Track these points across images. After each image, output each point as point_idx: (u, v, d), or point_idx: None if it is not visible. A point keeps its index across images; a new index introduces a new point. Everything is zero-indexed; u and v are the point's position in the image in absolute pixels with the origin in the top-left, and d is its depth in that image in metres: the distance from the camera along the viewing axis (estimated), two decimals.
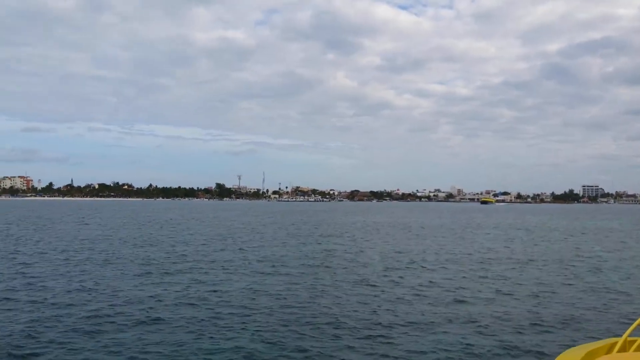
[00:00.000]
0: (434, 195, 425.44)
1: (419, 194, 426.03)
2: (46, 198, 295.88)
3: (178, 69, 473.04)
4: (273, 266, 24.67)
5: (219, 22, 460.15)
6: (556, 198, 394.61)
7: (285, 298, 17.05)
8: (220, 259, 27.30)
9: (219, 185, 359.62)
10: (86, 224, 59.81)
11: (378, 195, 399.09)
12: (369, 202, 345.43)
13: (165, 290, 18.18)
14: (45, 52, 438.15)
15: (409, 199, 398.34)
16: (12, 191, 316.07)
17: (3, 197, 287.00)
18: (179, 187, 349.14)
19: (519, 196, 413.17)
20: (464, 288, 19.23)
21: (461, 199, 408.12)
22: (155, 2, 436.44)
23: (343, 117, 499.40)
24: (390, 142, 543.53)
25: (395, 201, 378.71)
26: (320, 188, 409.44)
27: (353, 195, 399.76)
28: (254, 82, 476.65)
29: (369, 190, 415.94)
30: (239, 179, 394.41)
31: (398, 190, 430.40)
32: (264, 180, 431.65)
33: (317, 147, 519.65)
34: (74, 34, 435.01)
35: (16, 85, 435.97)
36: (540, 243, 39.65)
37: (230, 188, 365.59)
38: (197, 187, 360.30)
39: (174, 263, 25.33)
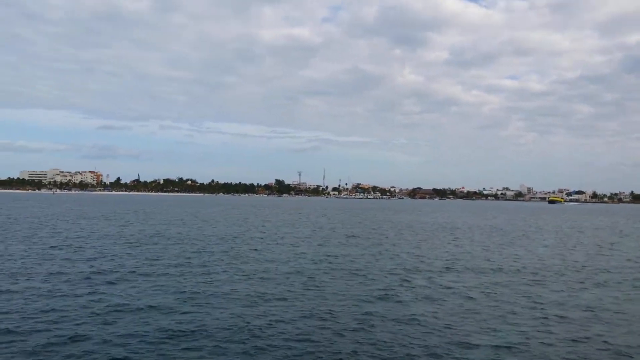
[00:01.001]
0: (502, 194, 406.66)
1: (485, 192, 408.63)
2: (113, 192, 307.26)
3: (245, 67, 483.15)
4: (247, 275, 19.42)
5: (285, 20, 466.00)
6: (636, 198, 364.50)
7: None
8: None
9: (278, 182, 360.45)
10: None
11: (441, 193, 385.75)
12: (431, 200, 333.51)
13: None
14: (123, 53, 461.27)
15: (474, 198, 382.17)
16: (82, 185, 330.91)
17: (73, 191, 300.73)
18: (240, 182, 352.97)
19: (594, 195, 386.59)
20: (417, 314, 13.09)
21: (531, 198, 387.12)
22: (224, 1, 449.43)
23: (410, 113, 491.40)
24: (457, 139, 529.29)
25: (459, 199, 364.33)
26: (384, 185, 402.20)
27: (415, 193, 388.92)
28: (320, 79, 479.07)
29: (432, 188, 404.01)
30: (299, 175, 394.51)
31: (463, 188, 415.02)
32: (324, 177, 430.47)
33: (383, 145, 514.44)
34: (149, 35, 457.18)
35: (96, 85, 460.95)
36: (606, 252, 31.89)
37: (289, 184, 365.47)
38: (257, 184, 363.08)
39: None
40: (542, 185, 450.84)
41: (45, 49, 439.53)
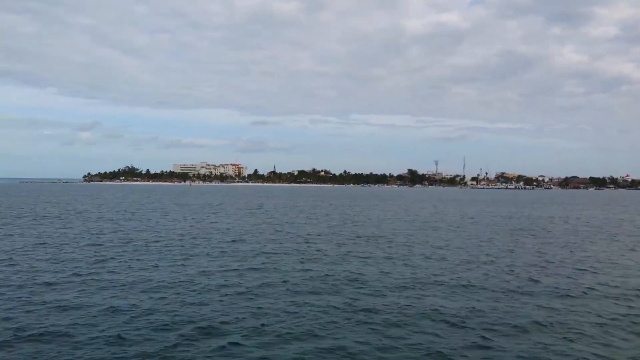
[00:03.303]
0: None
1: None
2: (250, 184, 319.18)
3: (391, 59, 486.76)
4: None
5: (432, 7, 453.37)
6: None
7: None
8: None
9: (411, 172, 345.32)
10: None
11: (599, 182, 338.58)
12: (585, 190, 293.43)
13: None
14: (276, 53, 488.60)
15: (639, 187, 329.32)
16: (222, 177, 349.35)
17: (214, 183, 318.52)
18: (371, 173, 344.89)
19: None
20: None
21: None
22: None
23: (571, 96, 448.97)
24: (629, 122, 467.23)
25: (621, 189, 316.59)
26: (532, 175, 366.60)
27: (566, 183, 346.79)
28: (469, 65, 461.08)
29: (589, 176, 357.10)
30: (436, 164, 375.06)
31: (627, 176, 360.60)
32: (464, 166, 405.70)
33: (538, 131, 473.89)
34: (299, 34, 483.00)
35: (252, 84, 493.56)
36: None
37: (423, 174, 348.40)
38: (390, 174, 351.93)
39: None
40: None
41: (208, 53, 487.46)
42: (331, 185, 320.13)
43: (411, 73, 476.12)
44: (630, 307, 14.22)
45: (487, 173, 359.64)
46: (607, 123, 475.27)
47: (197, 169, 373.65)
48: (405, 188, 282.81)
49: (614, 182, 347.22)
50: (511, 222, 43.80)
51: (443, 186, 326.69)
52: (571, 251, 25.67)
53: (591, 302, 14.76)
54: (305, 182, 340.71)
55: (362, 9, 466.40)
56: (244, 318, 12.55)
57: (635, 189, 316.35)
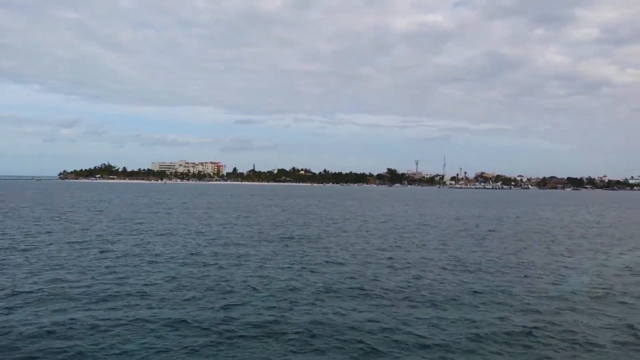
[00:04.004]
0: None
1: (631, 182, 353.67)
2: (228, 182, 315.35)
3: (377, 58, 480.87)
4: None
5: (418, 7, 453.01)
6: None
7: None
8: None
9: (390, 171, 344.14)
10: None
11: (576, 183, 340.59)
12: (562, 190, 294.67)
13: None
14: (263, 51, 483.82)
15: (615, 188, 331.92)
16: (200, 176, 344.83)
17: (191, 182, 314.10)
18: (350, 172, 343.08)
19: None
20: None
21: None
22: None
23: (554, 97, 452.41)
24: (609, 124, 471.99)
25: (599, 190, 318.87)
26: (512, 175, 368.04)
27: (545, 183, 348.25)
28: (454, 66, 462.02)
29: (567, 176, 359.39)
30: (417, 164, 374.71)
31: (604, 176, 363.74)
32: (444, 165, 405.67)
33: (521, 132, 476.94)
34: (286, 32, 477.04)
35: (238, 82, 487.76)
36: None
37: (402, 174, 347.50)
38: (369, 173, 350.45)
39: None
40: None
41: (194, 51, 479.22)
42: (310, 184, 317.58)
43: (397, 72, 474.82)
44: (502, 318, 12.20)
45: (465, 173, 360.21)
46: (588, 125, 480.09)
47: (175, 167, 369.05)
48: (383, 187, 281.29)
49: (592, 183, 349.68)
50: (443, 224, 41.95)
51: (422, 186, 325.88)
52: (471, 252, 23.73)
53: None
54: (284, 181, 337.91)
55: (349, 7, 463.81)
56: None
57: (612, 189, 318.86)
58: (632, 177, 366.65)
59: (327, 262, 20.21)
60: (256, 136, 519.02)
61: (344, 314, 12.49)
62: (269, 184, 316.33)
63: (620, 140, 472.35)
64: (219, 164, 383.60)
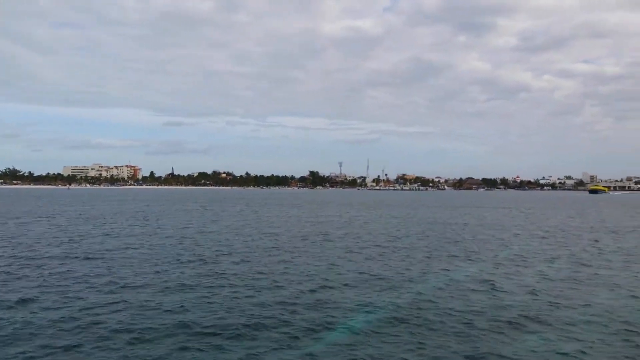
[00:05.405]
0: (560, 183, 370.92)
1: (542, 182, 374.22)
2: (143, 187, 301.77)
3: (308, 61, 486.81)
4: None
5: (347, 12, 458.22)
6: None
7: None
8: None
9: (312, 173, 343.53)
10: None
11: (490, 183, 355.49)
12: (475, 190, 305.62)
13: None
14: (192, 52, 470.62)
15: (526, 187, 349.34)
16: (113, 180, 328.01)
17: (102, 186, 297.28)
18: (272, 175, 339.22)
19: None
20: None
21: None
22: None
23: (475, 102, 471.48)
24: (526, 128, 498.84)
25: (511, 190, 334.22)
26: (442, 176, 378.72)
27: (460, 183, 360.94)
28: (382, 70, 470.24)
29: (483, 177, 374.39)
30: (340, 166, 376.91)
31: (517, 177, 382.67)
32: (368, 167, 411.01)
33: (445, 135, 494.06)
34: (216, 34, 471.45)
35: (167, 84, 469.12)
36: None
37: (323, 176, 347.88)
38: (292, 176, 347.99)
39: None
40: (610, 173, 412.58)
41: (120, 50, 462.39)
42: (230, 187, 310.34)
43: (327, 76, 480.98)
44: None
45: (386, 175, 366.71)
46: (506, 128, 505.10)
47: (88, 171, 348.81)
48: (305, 190, 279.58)
49: (505, 183, 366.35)
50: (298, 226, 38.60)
51: (344, 188, 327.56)
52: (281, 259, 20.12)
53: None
54: (205, 185, 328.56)
55: (278, 11, 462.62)
56: None
57: (523, 189, 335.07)
58: (543, 177, 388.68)
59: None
60: (188, 139, 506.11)
61: None
62: (189, 187, 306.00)
63: (535, 143, 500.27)
64: (136, 168, 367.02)
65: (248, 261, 20.95)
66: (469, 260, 22.05)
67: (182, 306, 13.38)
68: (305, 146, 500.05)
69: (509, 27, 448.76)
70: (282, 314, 12.69)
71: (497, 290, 15.71)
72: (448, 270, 19.38)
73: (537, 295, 15.10)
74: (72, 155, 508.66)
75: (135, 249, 24.47)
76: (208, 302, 13.82)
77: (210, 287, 15.79)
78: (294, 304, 13.71)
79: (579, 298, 14.77)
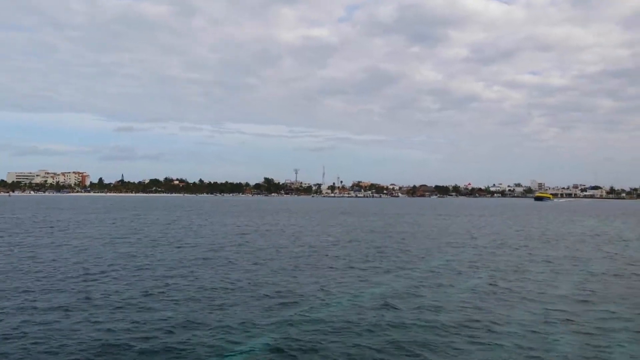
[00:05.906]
0: (510, 191, 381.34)
1: (492, 189, 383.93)
2: (91, 194, 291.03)
3: (264, 69, 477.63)
4: None
5: (303, 21, 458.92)
6: None
7: None
8: None
9: (267, 180, 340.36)
10: None
11: (443, 191, 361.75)
12: (428, 198, 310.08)
13: None
14: (144, 57, 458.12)
15: (477, 195, 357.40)
16: (58, 187, 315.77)
17: (47, 193, 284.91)
18: (226, 182, 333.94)
19: (611, 191, 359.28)
20: None
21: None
22: (242, 4, 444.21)
23: (428, 111, 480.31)
24: (477, 137, 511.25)
25: (463, 197, 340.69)
26: (396, 183, 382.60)
27: (414, 191, 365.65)
28: (338, 79, 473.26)
29: (435, 185, 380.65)
30: (296, 173, 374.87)
31: (469, 184, 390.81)
32: (324, 174, 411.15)
33: (399, 143, 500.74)
34: (169, 38, 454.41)
35: (118, 88, 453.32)
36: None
37: (278, 183, 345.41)
38: (246, 182, 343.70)
39: None
40: (558, 181, 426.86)
41: (69, 54, 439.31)
42: (182, 194, 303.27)
43: (284, 83, 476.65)
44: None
45: (342, 182, 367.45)
46: (457, 136, 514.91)
47: (33, 178, 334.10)
48: (258, 197, 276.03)
49: (457, 190, 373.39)
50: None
51: (299, 195, 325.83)
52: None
53: None
54: (156, 192, 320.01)
55: (234, 17, 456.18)
56: None
57: (474, 197, 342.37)
58: (493, 184, 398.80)
59: None
60: (139, 145, 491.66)
61: None
62: (139, 195, 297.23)
63: (485, 151, 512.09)
64: (84, 174, 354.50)
65: (137, 277, 19.03)
66: (387, 272, 20.85)
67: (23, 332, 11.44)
68: (262, 153, 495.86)
69: (460, 39, 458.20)
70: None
71: (394, 308, 14.45)
72: (360, 283, 18.03)
73: (438, 313, 13.92)
74: (19, 161, 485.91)
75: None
76: (52, 329, 11.90)
77: (66, 309, 13.83)
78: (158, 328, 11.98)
79: (491, 311, 13.68)
